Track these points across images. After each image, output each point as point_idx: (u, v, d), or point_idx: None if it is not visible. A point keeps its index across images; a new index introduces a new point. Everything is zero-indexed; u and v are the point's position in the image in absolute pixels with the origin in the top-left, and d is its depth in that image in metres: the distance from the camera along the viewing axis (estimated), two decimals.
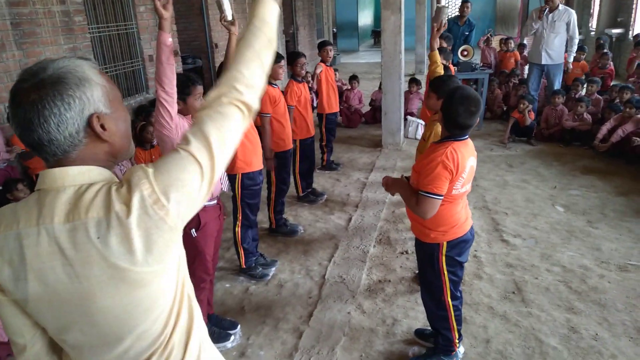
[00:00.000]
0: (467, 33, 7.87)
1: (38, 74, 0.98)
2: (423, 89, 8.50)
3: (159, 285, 1.03)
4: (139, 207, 0.95)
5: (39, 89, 0.97)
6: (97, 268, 0.96)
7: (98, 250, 0.94)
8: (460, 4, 8.00)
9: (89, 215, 0.95)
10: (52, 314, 1.01)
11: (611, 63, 8.29)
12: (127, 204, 0.95)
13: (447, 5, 4.33)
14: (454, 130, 2.26)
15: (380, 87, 8.98)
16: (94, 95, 1.01)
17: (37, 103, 0.96)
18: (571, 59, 6.97)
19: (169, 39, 2.28)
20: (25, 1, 4.91)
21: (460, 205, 2.42)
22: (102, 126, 1.03)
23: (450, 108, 2.23)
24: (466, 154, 2.27)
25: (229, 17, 2.87)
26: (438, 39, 3.98)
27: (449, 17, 4.87)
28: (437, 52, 3.83)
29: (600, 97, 6.95)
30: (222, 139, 1.04)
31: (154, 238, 0.96)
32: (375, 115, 8.15)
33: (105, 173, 1.05)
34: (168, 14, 2.24)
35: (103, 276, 0.96)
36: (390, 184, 2.52)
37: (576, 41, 6.82)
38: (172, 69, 2.31)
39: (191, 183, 0.99)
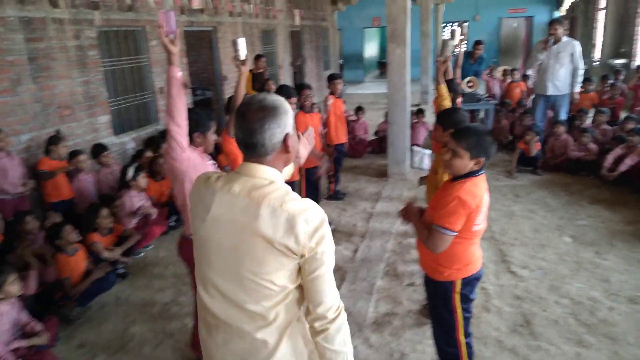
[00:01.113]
0: (477, 70, 7.97)
1: (262, 102, 1.48)
2: (427, 119, 8.61)
3: (276, 259, 1.45)
4: (298, 225, 1.41)
5: (262, 110, 1.46)
6: (247, 234, 1.44)
7: (255, 223, 1.42)
8: (473, 43, 8.10)
9: (266, 199, 1.43)
10: (208, 251, 1.54)
11: (625, 87, 8.28)
12: (292, 218, 1.41)
13: (453, 37, 4.40)
14: (484, 161, 2.26)
15: (386, 118, 9.10)
16: (289, 122, 1.51)
17: (261, 120, 1.45)
18: (577, 89, 6.99)
19: (179, 72, 2.35)
20: (42, 36, 5.08)
21: (477, 244, 2.41)
22: (289, 142, 1.51)
23: (479, 142, 2.24)
24: (483, 189, 2.28)
25: (242, 57, 2.97)
26: (451, 71, 4.06)
27: (457, 50, 4.95)
28: (443, 85, 3.87)
29: (609, 127, 6.96)
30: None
31: (288, 242, 1.42)
32: (381, 144, 8.28)
33: (279, 175, 1.52)
34: (176, 49, 2.33)
35: (248, 240, 1.44)
36: (409, 212, 2.51)
37: (581, 72, 6.87)
38: (182, 102, 2.38)
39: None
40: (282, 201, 1.42)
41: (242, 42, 2.95)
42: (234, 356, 1.54)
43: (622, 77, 8.21)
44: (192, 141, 2.61)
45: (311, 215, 1.42)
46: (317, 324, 1.49)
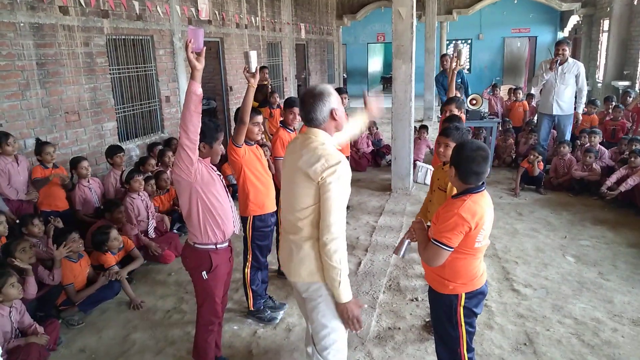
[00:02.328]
0: (460, 84, 8.01)
1: (313, 90, 2.18)
2: (429, 135, 8.65)
3: (304, 184, 2.13)
4: (319, 162, 2.09)
5: (313, 96, 2.16)
6: (294, 167, 2.16)
7: (298, 158, 2.14)
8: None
9: (308, 145, 2.15)
10: (283, 180, 2.35)
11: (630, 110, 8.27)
12: (318, 157, 2.09)
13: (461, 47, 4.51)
14: (471, 179, 2.28)
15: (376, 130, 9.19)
16: (333, 100, 2.18)
17: (313, 102, 2.15)
18: (580, 110, 7.04)
19: (199, 89, 2.36)
20: (52, 43, 5.12)
21: (480, 259, 2.42)
22: (336, 113, 2.18)
23: (462, 159, 2.27)
24: (485, 206, 2.29)
25: (253, 70, 3.04)
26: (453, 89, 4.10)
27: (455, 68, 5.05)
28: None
29: (604, 148, 6.98)
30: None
31: (326, 178, 2.07)
32: (375, 158, 8.53)
33: (325, 136, 2.19)
34: (201, 65, 2.35)
35: (294, 171, 2.17)
36: (416, 229, 2.51)
37: (585, 93, 6.92)
38: (198, 118, 2.39)
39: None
40: (317, 148, 2.12)
41: (253, 55, 3.02)
42: (284, 250, 2.30)
43: (630, 98, 8.23)
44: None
45: (330, 158, 2.07)
46: (323, 238, 2.07)
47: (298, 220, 2.15)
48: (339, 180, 2.05)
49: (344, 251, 2.09)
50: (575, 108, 6.97)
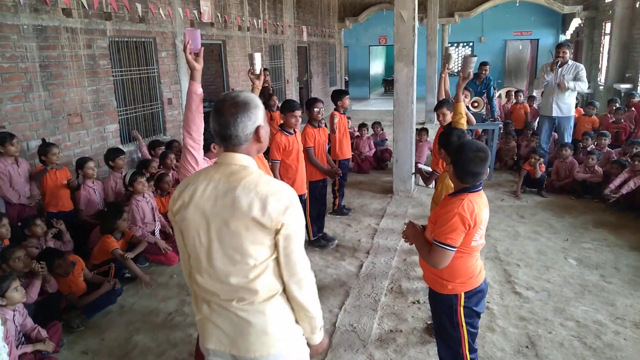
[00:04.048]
0: (484, 91, 8.00)
1: (235, 98, 1.66)
2: (429, 138, 8.65)
3: (253, 235, 1.62)
4: (270, 204, 1.58)
5: (235, 106, 1.65)
6: (227, 214, 1.61)
7: (235, 203, 1.59)
8: (479, 64, 8.11)
9: (242, 182, 1.61)
10: (195, 233, 1.69)
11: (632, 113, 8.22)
12: (265, 198, 1.58)
13: (474, 54, 4.42)
14: (467, 179, 2.30)
15: (373, 130, 9.17)
16: (260, 115, 1.70)
17: (234, 114, 1.64)
18: (570, 85, 6.70)
19: (200, 89, 2.39)
20: (55, 45, 5.14)
21: (477, 257, 2.44)
22: (261, 133, 1.69)
23: (461, 158, 2.28)
24: (481, 205, 2.31)
25: (257, 72, 3.05)
26: (448, 92, 4.07)
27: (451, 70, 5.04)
28: (462, 103, 3.83)
29: (612, 150, 6.99)
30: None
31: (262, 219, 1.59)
32: (378, 161, 8.48)
33: (252, 162, 1.70)
34: (200, 66, 2.37)
35: (228, 219, 1.61)
36: (409, 233, 2.54)
37: (583, 85, 6.79)
38: (200, 117, 2.41)
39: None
40: (256, 183, 1.61)
41: (258, 57, 3.04)
42: (223, 326, 1.71)
43: (635, 100, 8.21)
44: (208, 150, 2.63)
45: (282, 196, 1.61)
46: (295, 294, 1.69)
47: (249, 282, 1.64)
48: (298, 216, 1.65)
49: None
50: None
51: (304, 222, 1.70)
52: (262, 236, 1.61)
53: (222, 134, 1.67)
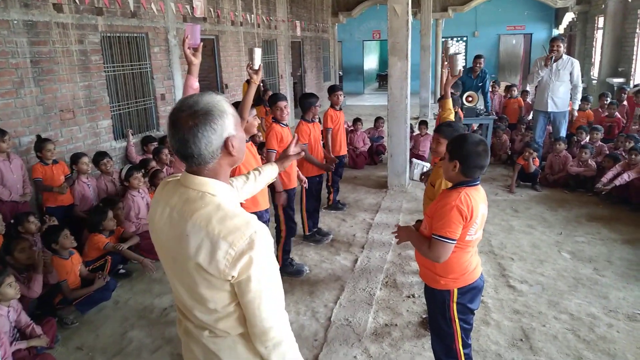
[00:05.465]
0: (480, 84, 8.00)
1: (193, 107, 1.32)
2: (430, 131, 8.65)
3: (206, 280, 1.34)
4: (220, 250, 1.28)
5: (194, 117, 1.30)
6: (180, 250, 1.34)
7: (182, 242, 1.32)
8: (473, 58, 8.13)
9: (193, 216, 1.32)
10: (160, 254, 1.48)
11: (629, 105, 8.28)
12: (215, 241, 1.28)
13: (458, 52, 4.40)
14: (475, 173, 2.29)
15: (375, 125, 9.17)
16: (227, 123, 1.35)
17: (193, 128, 1.30)
18: (576, 107, 7.09)
19: (196, 83, 2.39)
20: (46, 40, 5.09)
21: (471, 253, 2.43)
22: (232, 145, 1.36)
23: (468, 154, 2.27)
24: (478, 200, 2.31)
25: (256, 67, 3.03)
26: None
27: (464, 66, 4.94)
28: (450, 99, 3.88)
29: (604, 144, 7.03)
30: None
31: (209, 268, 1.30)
32: (372, 155, 8.49)
33: (216, 186, 1.37)
34: (197, 60, 2.38)
35: (181, 257, 1.35)
36: (400, 235, 2.54)
37: (580, 89, 6.96)
38: None
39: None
40: (209, 220, 1.30)
41: (258, 52, 3.02)
42: (199, 354, 1.48)
43: (625, 95, 8.27)
44: None
45: (237, 239, 1.27)
46: (261, 349, 1.38)
47: (215, 321, 1.40)
48: (264, 268, 1.31)
49: (294, 347, 1.44)
50: (571, 105, 7.00)
51: (270, 263, 1.34)
52: (216, 283, 1.31)
53: (181, 153, 1.35)
